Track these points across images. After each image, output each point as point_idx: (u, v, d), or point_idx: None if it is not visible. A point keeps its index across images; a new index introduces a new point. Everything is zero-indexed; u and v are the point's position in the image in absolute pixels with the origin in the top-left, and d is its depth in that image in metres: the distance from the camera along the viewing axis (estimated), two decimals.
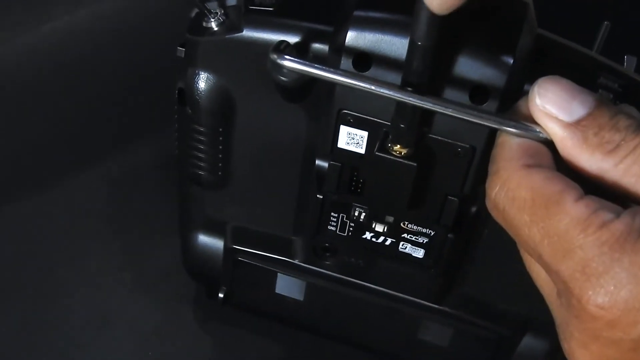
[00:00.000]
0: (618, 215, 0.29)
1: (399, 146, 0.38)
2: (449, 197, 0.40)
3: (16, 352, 0.51)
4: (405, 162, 0.38)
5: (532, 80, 0.37)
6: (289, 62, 0.35)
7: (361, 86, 0.35)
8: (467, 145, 0.38)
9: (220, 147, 0.45)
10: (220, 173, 0.46)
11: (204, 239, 0.50)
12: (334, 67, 0.36)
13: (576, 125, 0.31)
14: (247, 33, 0.40)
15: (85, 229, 0.56)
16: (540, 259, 0.31)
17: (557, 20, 0.41)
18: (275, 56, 0.36)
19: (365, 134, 0.39)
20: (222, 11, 0.41)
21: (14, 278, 0.54)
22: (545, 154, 0.32)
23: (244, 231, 0.49)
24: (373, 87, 0.35)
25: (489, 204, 0.33)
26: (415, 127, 0.37)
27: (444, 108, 0.34)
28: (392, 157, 0.38)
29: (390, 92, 0.34)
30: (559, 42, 0.40)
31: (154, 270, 0.55)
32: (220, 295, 0.51)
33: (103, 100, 0.57)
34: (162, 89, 0.45)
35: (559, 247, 0.30)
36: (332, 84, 0.38)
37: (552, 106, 0.32)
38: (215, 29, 0.41)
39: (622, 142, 0.31)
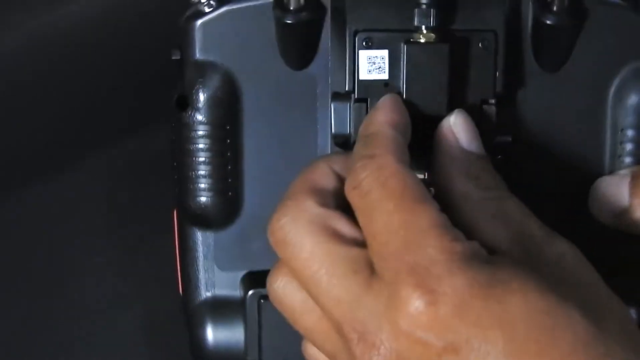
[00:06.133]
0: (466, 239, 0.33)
1: (425, 32, 0.37)
2: (485, 105, 0.39)
3: (18, 340, 0.51)
4: (437, 44, 0.37)
5: None
6: None
7: None
8: (489, 30, 0.38)
9: (229, 153, 0.42)
10: (230, 193, 0.42)
11: (217, 319, 0.44)
12: None
13: (468, 153, 0.37)
14: (239, 3, 0.40)
15: (88, 218, 0.54)
16: (382, 246, 0.32)
17: None
18: None
19: (385, 52, 0.38)
20: None
21: (16, 267, 0.52)
22: (406, 150, 0.35)
23: (262, 273, 0.43)
24: None
25: (351, 182, 0.34)
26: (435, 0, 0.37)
27: None
28: (423, 43, 0.37)
29: None
30: None
31: (158, 260, 0.52)
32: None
33: (101, 93, 0.55)
34: (160, 82, 0.43)
35: (413, 239, 0.32)
36: (342, 4, 0.38)
37: (459, 130, 0.37)
38: (207, 10, 0.41)
39: (492, 188, 0.36)
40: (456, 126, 0.37)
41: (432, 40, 0.37)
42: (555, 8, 0.38)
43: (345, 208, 0.35)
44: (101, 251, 0.54)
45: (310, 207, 0.35)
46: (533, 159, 0.41)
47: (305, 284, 0.34)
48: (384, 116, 0.36)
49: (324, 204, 0.35)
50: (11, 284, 0.52)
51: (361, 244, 0.34)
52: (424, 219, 0.32)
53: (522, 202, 0.36)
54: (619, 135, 0.41)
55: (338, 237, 0.34)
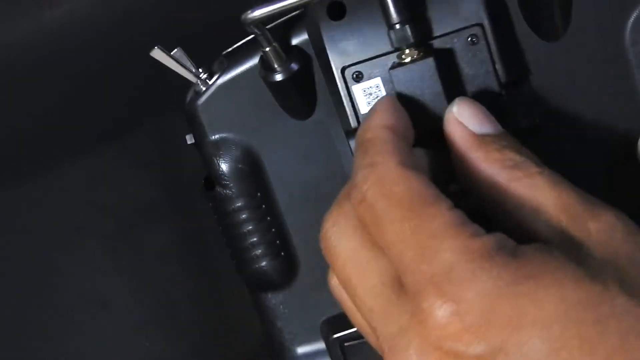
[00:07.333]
0: (487, 233, 0.30)
1: (408, 51, 0.36)
2: (497, 99, 0.37)
3: (13, 333, 0.50)
4: (421, 60, 0.36)
5: None
6: (258, 11, 0.35)
7: None
8: (474, 24, 0.36)
9: (268, 217, 0.42)
10: (283, 253, 0.42)
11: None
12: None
13: (483, 137, 0.34)
14: (231, 70, 0.41)
15: (83, 214, 0.53)
16: (399, 257, 0.30)
17: None
18: (247, 14, 0.35)
19: (377, 80, 0.37)
20: (203, 72, 0.41)
21: (11, 261, 0.52)
22: (410, 151, 0.33)
23: (337, 317, 0.44)
24: None
25: (356, 196, 0.32)
26: (407, 16, 0.35)
27: None
28: (408, 63, 0.36)
29: None
30: None
31: (151, 255, 0.53)
32: None
33: (87, 96, 0.54)
34: (146, 85, 0.44)
35: (428, 246, 0.30)
36: (323, 49, 0.37)
37: (465, 118, 0.34)
38: (204, 88, 0.41)
39: (522, 164, 0.32)
40: (461, 114, 0.34)
41: (415, 57, 0.36)
42: None
43: None
44: (84, 250, 0.53)
45: (350, 211, 0.33)
46: (568, 132, 0.39)
47: (345, 290, 0.33)
48: (380, 119, 0.34)
49: None
50: (5, 273, 0.52)
51: None
52: (436, 221, 0.30)
53: (556, 172, 0.32)
54: None
55: (374, 243, 0.32)
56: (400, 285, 0.31)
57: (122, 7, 0.45)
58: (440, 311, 0.29)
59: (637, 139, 0.38)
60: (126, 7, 0.44)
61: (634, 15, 0.37)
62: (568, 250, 0.30)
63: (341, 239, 0.33)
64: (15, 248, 0.54)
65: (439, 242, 0.30)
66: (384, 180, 0.31)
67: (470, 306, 0.28)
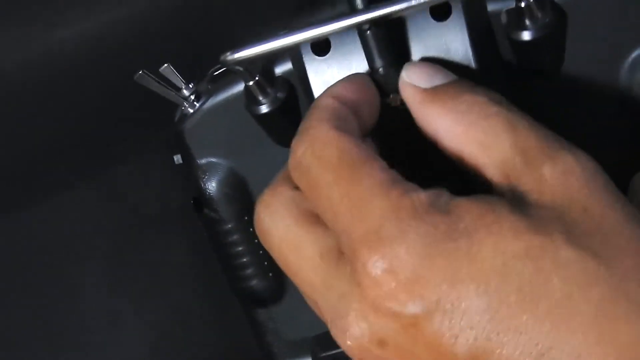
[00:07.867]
0: (421, 190, 0.29)
1: (392, 96, 0.34)
2: None
3: (27, 350, 0.50)
4: (405, 107, 0.34)
5: None
6: (239, 53, 0.34)
7: (320, 34, 0.34)
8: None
9: (256, 240, 0.42)
10: (271, 274, 0.42)
11: None
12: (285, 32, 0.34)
13: (434, 89, 0.32)
14: (217, 95, 0.40)
15: (96, 229, 0.53)
16: (334, 220, 0.30)
17: None
18: (227, 55, 0.34)
19: None
20: (193, 92, 0.40)
21: (25, 277, 0.51)
22: (353, 121, 0.32)
23: (326, 334, 0.44)
24: (331, 28, 0.33)
25: (293, 162, 0.32)
26: (390, 60, 0.34)
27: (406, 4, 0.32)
28: (392, 106, 0.35)
29: (348, 21, 0.33)
30: None
31: (166, 270, 0.52)
32: None
33: (115, 104, 0.52)
34: (156, 108, 0.43)
35: (358, 206, 0.29)
36: (306, 83, 0.36)
37: (415, 78, 0.33)
38: (192, 111, 0.40)
39: (477, 106, 0.30)
40: (410, 76, 0.33)
41: (399, 103, 0.34)
42: (527, 22, 0.34)
43: None
44: (99, 266, 0.53)
45: (283, 192, 0.32)
46: None
47: (286, 272, 0.33)
48: (331, 90, 0.33)
49: (297, 186, 0.32)
50: (11, 297, 0.51)
51: None
52: (366, 181, 0.29)
53: (519, 110, 0.30)
54: None
55: (308, 218, 0.32)
56: (339, 253, 0.30)
57: (134, 27, 0.44)
58: (373, 269, 0.28)
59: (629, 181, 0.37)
60: (137, 26, 0.44)
61: (632, 56, 0.35)
62: (516, 198, 0.29)
63: (275, 221, 0.32)
64: (27, 266, 0.53)
65: (369, 201, 0.29)
66: (316, 143, 0.31)
67: (402, 263, 0.27)
